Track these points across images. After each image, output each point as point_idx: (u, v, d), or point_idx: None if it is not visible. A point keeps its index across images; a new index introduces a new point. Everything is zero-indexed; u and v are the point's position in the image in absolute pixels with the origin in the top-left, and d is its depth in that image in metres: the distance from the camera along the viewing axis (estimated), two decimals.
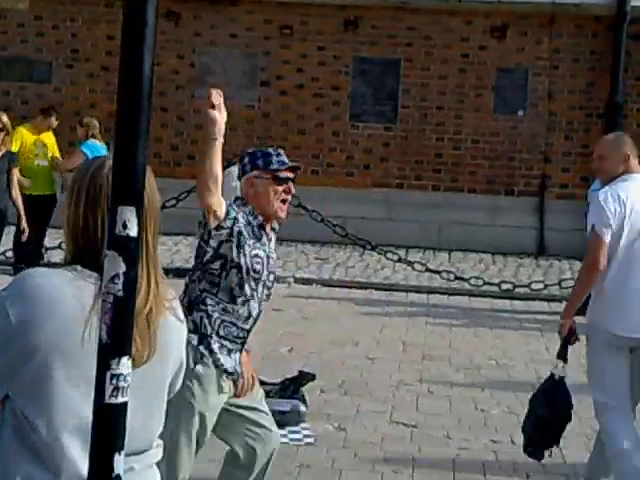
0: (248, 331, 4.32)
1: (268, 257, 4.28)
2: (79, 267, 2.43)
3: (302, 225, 13.25)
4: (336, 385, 7.59)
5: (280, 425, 6.42)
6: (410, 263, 12.19)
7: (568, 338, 5.35)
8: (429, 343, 9.01)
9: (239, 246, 4.14)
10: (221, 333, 4.21)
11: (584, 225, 5.66)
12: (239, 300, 4.21)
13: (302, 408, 6.63)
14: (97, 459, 2.16)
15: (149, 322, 2.42)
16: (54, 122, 11.59)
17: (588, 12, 13.82)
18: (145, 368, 2.40)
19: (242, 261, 4.16)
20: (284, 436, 6.32)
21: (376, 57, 14.36)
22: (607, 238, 5.16)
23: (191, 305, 4.19)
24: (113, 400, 2.13)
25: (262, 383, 6.91)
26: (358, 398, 7.31)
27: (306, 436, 6.37)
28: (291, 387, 6.93)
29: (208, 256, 4.14)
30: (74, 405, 2.38)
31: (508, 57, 14.29)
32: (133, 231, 1.68)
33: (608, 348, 5.22)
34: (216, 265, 4.17)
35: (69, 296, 2.39)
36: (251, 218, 4.25)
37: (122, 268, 1.74)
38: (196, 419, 4.19)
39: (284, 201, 4.33)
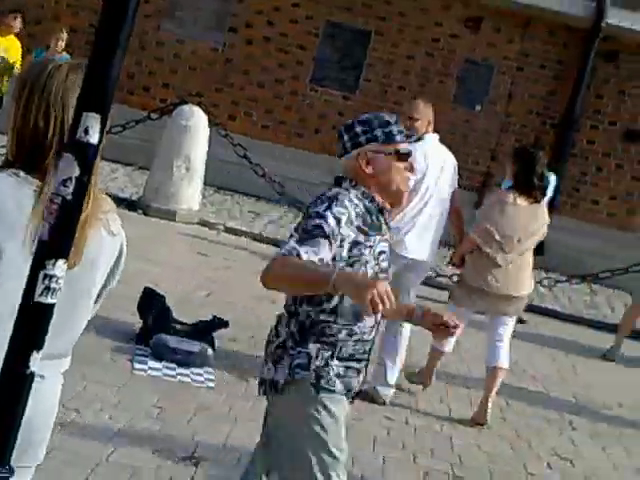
0: (373, 341, 3.62)
1: (390, 245, 3.65)
2: (22, 173, 2.44)
3: (242, 176, 13.28)
4: (246, 337, 7.64)
5: (185, 365, 6.52)
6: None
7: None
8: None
9: (359, 263, 3.40)
10: (345, 356, 3.48)
11: None
12: (366, 315, 3.41)
13: (210, 352, 6.68)
14: (14, 354, 2.19)
15: (82, 230, 2.45)
16: (18, 25, 11.37)
17: (564, 21, 13.95)
18: (72, 275, 2.44)
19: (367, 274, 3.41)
20: (186, 376, 6.40)
21: (348, 24, 14.36)
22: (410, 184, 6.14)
23: (304, 335, 3.47)
24: (42, 299, 2.17)
25: (175, 322, 7.00)
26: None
27: (208, 379, 6.43)
28: (203, 330, 6.98)
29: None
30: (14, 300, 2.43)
31: (477, 50, 14.38)
32: (94, 138, 1.71)
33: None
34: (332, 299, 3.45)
35: (11, 202, 2.40)
36: (367, 203, 3.50)
37: (76, 172, 1.76)
38: (332, 453, 3.45)
39: (407, 180, 3.60)
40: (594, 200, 14.35)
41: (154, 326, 6.79)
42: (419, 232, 6.77)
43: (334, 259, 3.30)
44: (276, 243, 11.55)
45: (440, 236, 7.00)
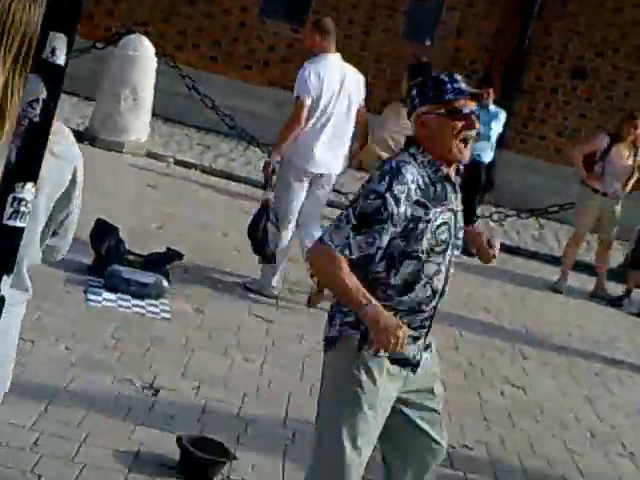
0: (435, 308, 3.49)
1: (455, 214, 3.44)
2: None
3: (191, 109, 13.12)
4: (200, 269, 7.62)
5: (140, 296, 6.48)
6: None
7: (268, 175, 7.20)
8: None
9: (413, 237, 3.31)
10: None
11: None
12: (418, 286, 3.38)
13: (165, 283, 6.64)
14: None
15: None
16: None
17: None
18: None
19: (421, 247, 3.34)
20: (142, 307, 6.36)
21: None
22: (307, 103, 7.03)
23: None
24: (11, 223, 2.12)
25: (129, 253, 6.93)
26: (220, 285, 7.36)
27: (164, 311, 6.40)
28: (157, 262, 6.93)
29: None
30: None
31: None
32: (61, 59, 1.65)
33: (295, 179, 7.18)
34: (380, 267, 3.38)
35: None
36: (431, 173, 3.36)
37: (43, 94, 1.71)
38: (364, 413, 3.42)
39: (465, 140, 3.38)
40: (542, 136, 14.40)
41: (107, 257, 6.72)
42: (325, 147, 7.20)
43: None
44: (228, 176, 11.50)
45: (347, 150, 7.42)
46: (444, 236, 3.36)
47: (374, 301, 3.22)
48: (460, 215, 3.47)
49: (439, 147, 3.36)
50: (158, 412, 4.91)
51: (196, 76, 12.47)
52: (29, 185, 2.10)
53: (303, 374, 5.97)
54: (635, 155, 10.07)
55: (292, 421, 5.25)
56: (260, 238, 7.08)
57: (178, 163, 11.54)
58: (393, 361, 3.43)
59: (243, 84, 14.03)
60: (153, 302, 6.46)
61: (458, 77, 3.42)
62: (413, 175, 3.28)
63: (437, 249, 3.36)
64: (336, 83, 7.21)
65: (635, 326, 9.48)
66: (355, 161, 7.78)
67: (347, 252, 3.23)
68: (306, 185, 7.27)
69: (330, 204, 10.26)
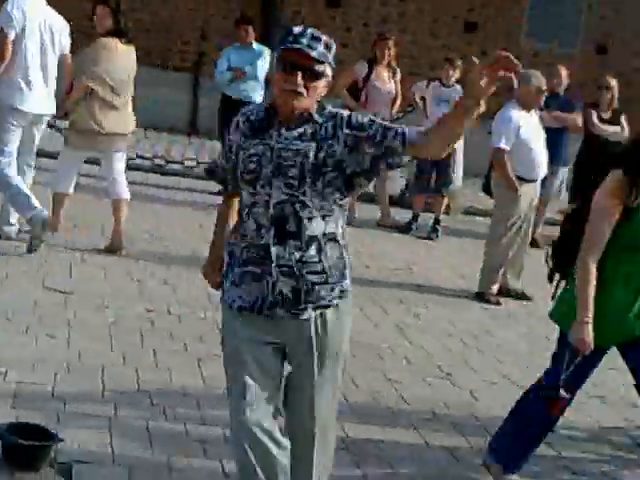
0: (277, 248, 3.44)
1: (272, 150, 3.45)
2: None
3: None
4: None
5: None
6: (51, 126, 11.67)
7: None
8: (77, 211, 8.64)
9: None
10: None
11: None
12: (244, 216, 3.53)
13: None
14: None
15: None
16: None
17: None
18: None
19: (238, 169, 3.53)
20: None
21: None
22: (11, 37, 7.20)
23: None
24: None
25: None
26: (6, 262, 7.00)
27: None
28: None
29: None
30: None
31: None
32: None
33: (12, 121, 7.34)
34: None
35: None
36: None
37: None
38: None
39: (290, 92, 3.38)
40: None
41: None
42: (33, 87, 7.39)
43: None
44: None
45: (55, 92, 7.65)
46: (252, 166, 3.44)
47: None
48: (290, 154, 3.43)
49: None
50: None
51: None
52: None
53: (112, 343, 5.76)
54: (394, 75, 10.26)
55: (111, 392, 5.05)
56: None
57: None
58: (240, 308, 3.51)
59: None
60: None
61: (307, 31, 3.40)
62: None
63: (246, 177, 3.47)
64: (40, 22, 7.38)
65: (427, 249, 9.73)
66: (69, 105, 7.71)
67: None
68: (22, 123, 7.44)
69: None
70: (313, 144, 3.42)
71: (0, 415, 4.44)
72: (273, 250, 3.42)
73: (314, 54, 3.36)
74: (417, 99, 10.32)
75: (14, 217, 7.61)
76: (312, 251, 3.43)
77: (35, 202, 7.19)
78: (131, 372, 5.34)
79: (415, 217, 10.29)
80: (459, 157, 10.38)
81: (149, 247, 8.15)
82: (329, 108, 3.49)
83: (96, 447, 4.40)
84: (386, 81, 10.28)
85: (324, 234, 3.44)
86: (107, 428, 4.62)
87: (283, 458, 3.50)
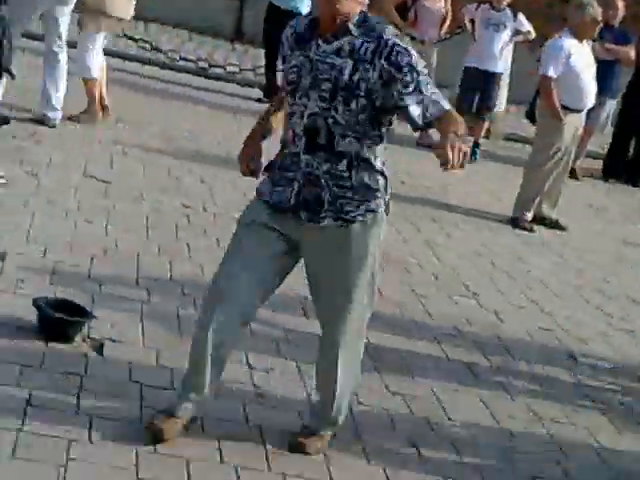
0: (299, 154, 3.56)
1: (311, 61, 3.49)
2: None
3: None
4: (29, 134, 7.33)
5: None
6: None
7: None
8: (123, 107, 8.78)
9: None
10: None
11: None
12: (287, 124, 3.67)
13: None
14: None
15: None
16: None
17: None
18: None
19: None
20: None
21: None
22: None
23: None
24: None
25: None
26: (51, 149, 7.10)
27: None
28: None
29: None
30: None
31: None
32: None
33: None
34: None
35: None
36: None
37: None
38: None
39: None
40: None
41: None
42: None
43: None
44: None
45: None
46: (292, 77, 3.53)
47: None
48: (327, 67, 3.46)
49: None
50: (8, 277, 4.75)
51: None
52: None
53: (148, 233, 5.88)
54: None
55: (144, 279, 5.17)
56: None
57: None
58: (267, 203, 3.61)
59: None
60: None
61: None
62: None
63: (288, 88, 3.56)
64: None
65: (464, 172, 9.70)
66: None
67: None
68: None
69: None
70: (350, 62, 3.43)
71: (38, 290, 4.59)
72: (302, 158, 3.52)
73: None
74: (466, 21, 10.23)
75: (58, 102, 7.71)
76: (342, 166, 3.51)
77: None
78: (165, 263, 5.46)
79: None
80: (504, 82, 10.34)
81: (188, 145, 8.23)
82: (374, 21, 3.47)
83: (127, 328, 4.53)
84: (436, 0, 10.20)
85: (358, 155, 3.50)
86: (139, 312, 4.75)
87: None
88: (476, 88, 10.03)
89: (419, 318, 5.55)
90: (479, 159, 10.11)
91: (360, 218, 3.55)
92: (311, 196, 3.53)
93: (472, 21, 10.18)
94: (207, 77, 11.59)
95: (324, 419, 3.87)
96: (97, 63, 8.02)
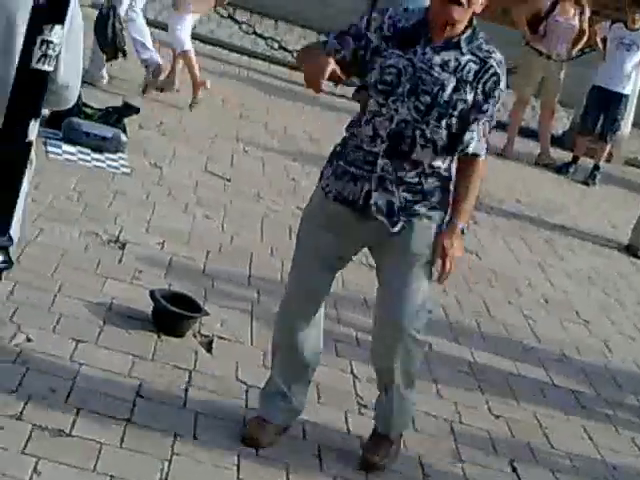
0: (384, 158, 3.48)
1: (414, 67, 3.40)
2: None
3: None
4: (155, 125, 7.50)
5: (98, 150, 6.36)
6: (237, 22, 11.92)
7: None
8: (247, 104, 8.93)
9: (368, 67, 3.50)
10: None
11: None
12: (363, 120, 3.51)
13: (123, 138, 6.52)
14: (13, 123, 2.06)
15: None
16: None
17: None
18: None
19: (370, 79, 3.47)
20: (102, 161, 6.26)
21: None
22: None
23: None
24: (39, 66, 2.03)
25: (85, 106, 6.77)
26: (175, 142, 7.25)
27: (123, 166, 6.30)
28: (114, 116, 6.79)
29: None
30: None
31: None
32: None
33: None
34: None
35: None
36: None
37: None
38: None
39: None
40: None
41: (64, 110, 6.54)
42: None
43: None
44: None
45: None
46: (389, 78, 3.39)
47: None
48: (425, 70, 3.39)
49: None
50: (126, 266, 4.88)
51: None
52: (58, 27, 2.00)
53: (263, 233, 5.96)
54: (581, 14, 9.97)
55: (256, 278, 5.25)
56: (110, 36, 7.66)
57: None
58: (334, 198, 3.56)
59: None
60: (112, 156, 6.34)
61: None
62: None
63: (380, 87, 3.41)
64: None
65: (582, 194, 9.62)
66: None
67: None
68: None
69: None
70: (453, 80, 3.38)
71: (154, 282, 4.70)
72: (380, 162, 3.45)
73: None
74: (598, 39, 10.06)
75: (104, 68, 8.13)
76: (414, 174, 3.47)
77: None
78: (277, 264, 5.51)
79: (575, 160, 10.13)
80: (631, 104, 10.16)
81: (307, 148, 8.29)
82: (482, 40, 3.42)
83: (237, 327, 4.61)
84: (570, 17, 10.04)
85: (430, 165, 3.46)
86: (249, 311, 4.82)
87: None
88: (602, 108, 9.86)
89: (527, 340, 5.50)
90: (598, 183, 9.95)
91: (426, 214, 3.51)
92: (383, 201, 3.48)
93: (604, 40, 10.01)
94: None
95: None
96: (187, 40, 8.42)
